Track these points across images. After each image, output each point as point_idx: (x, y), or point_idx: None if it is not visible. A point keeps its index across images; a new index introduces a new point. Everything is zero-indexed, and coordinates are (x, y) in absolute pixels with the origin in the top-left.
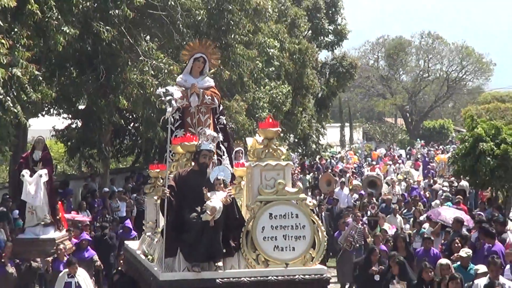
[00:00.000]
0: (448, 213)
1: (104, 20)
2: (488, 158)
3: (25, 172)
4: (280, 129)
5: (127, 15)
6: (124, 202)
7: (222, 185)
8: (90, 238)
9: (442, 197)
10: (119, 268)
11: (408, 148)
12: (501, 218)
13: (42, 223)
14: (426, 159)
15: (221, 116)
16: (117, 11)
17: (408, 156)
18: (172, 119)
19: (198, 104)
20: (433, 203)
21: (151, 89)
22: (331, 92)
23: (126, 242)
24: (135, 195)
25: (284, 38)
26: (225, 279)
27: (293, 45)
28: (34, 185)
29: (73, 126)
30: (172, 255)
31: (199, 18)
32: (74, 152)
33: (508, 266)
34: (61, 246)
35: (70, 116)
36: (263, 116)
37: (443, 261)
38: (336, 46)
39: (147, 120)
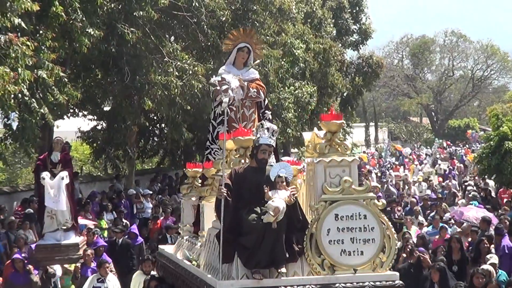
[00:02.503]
0: (471, 212)
1: (129, 21)
2: None
3: (46, 175)
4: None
5: (151, 17)
6: (150, 204)
7: (284, 183)
8: (106, 244)
9: (470, 195)
10: (154, 275)
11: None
12: None
13: (63, 227)
14: (464, 157)
15: (266, 111)
16: (141, 12)
17: (429, 155)
18: (228, 111)
19: (243, 97)
20: (459, 202)
21: (176, 90)
22: (357, 91)
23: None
24: (160, 196)
25: (310, 39)
26: (289, 287)
27: (318, 45)
28: (56, 189)
29: (99, 127)
30: (229, 261)
31: (223, 18)
32: (100, 153)
33: None
34: (89, 251)
35: (95, 117)
36: (288, 117)
37: (485, 267)
38: (360, 46)
39: (172, 121)
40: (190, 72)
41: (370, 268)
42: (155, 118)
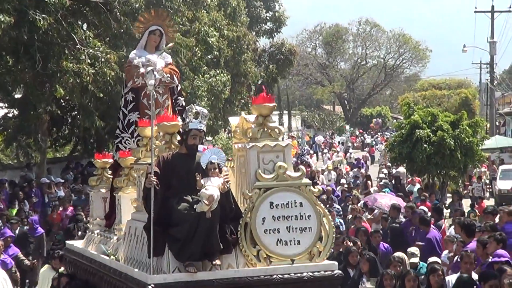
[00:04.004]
0: (384, 199)
1: (40, 8)
2: (425, 145)
3: None
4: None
5: (63, 3)
6: (62, 192)
7: (217, 170)
8: (14, 235)
9: (381, 183)
10: (62, 271)
11: (347, 136)
12: (439, 205)
13: None
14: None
15: (179, 97)
16: None
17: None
18: (155, 94)
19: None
20: (371, 190)
21: (88, 78)
22: (271, 79)
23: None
24: (73, 185)
25: (222, 25)
26: (224, 280)
27: (232, 33)
28: None
29: (10, 115)
30: (159, 254)
31: (137, 5)
32: (11, 141)
33: (445, 252)
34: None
35: (6, 105)
36: (201, 105)
37: (398, 254)
38: (274, 33)
39: (84, 109)
40: (103, 59)
41: (308, 258)
42: (67, 106)
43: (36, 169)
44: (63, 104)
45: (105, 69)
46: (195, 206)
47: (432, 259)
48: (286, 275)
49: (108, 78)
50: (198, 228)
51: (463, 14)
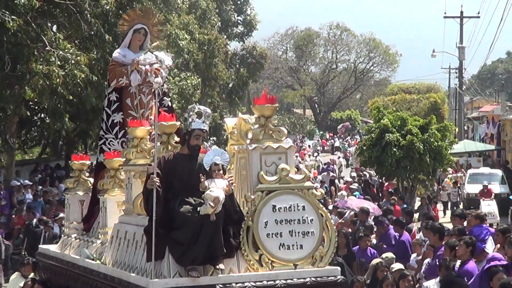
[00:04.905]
0: (355, 202)
1: (9, 9)
2: (394, 149)
3: None
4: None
5: (32, 4)
6: (31, 195)
7: (221, 172)
8: None
9: (351, 186)
10: (34, 278)
11: (317, 139)
12: (410, 209)
13: None
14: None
15: (165, 98)
16: (22, 0)
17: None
18: (159, 92)
19: (140, 83)
20: (339, 194)
21: (57, 80)
22: (242, 82)
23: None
24: (41, 187)
25: (194, 28)
26: (227, 285)
27: (203, 36)
28: None
29: None
30: (159, 258)
31: (107, 7)
32: None
33: (414, 255)
34: None
35: None
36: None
37: (377, 260)
38: (246, 37)
39: (53, 111)
40: (73, 61)
41: (310, 263)
42: (36, 108)
43: (4, 171)
44: (32, 106)
45: (75, 71)
46: (198, 208)
47: (396, 265)
48: (289, 280)
49: (78, 80)
50: (202, 231)
51: (433, 20)
